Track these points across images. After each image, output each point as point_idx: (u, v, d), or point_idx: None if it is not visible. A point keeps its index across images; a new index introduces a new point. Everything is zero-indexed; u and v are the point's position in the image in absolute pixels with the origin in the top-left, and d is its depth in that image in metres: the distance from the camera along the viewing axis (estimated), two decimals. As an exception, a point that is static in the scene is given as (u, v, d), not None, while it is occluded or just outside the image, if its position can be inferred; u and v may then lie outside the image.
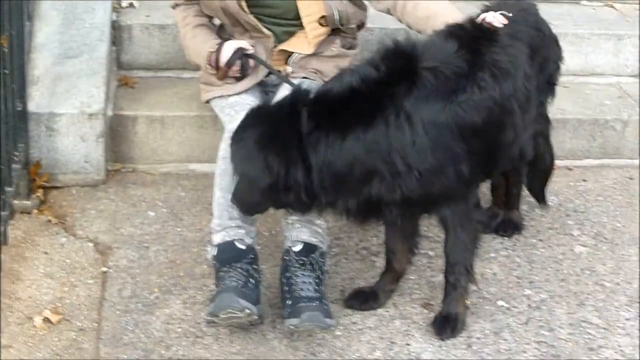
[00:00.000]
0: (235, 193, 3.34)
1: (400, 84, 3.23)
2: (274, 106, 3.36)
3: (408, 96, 3.21)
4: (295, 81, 3.71)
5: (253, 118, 3.32)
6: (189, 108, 4.32)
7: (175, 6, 4.01)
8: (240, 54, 3.76)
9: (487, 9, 3.68)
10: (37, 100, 4.09)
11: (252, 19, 3.84)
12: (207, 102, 3.96)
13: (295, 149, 3.16)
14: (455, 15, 3.64)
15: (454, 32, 3.47)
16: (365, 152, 3.17)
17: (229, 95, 3.80)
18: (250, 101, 3.74)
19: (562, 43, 4.77)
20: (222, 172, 3.57)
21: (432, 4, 3.73)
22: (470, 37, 3.45)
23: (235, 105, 3.75)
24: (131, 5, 4.75)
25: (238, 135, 3.30)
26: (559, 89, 4.74)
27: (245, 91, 3.80)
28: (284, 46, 3.89)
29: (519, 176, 4.07)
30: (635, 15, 5.26)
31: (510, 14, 3.58)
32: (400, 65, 3.28)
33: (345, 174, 3.19)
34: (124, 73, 4.60)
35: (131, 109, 4.32)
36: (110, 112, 4.24)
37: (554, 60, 3.89)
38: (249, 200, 3.32)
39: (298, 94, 3.30)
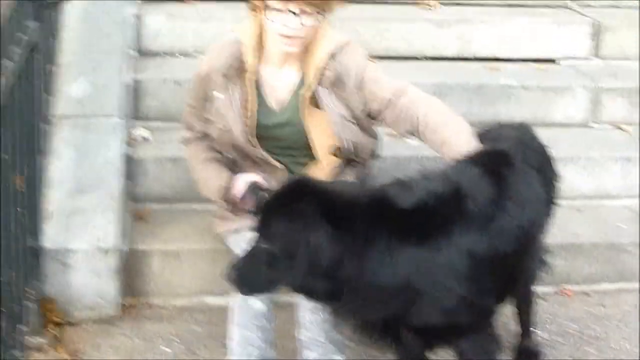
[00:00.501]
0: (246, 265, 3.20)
1: (451, 209, 3.22)
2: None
3: (457, 222, 3.20)
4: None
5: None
6: (203, 241, 4.30)
7: (185, 142, 4.03)
8: (254, 187, 3.75)
9: (485, 134, 3.72)
10: (51, 236, 4.08)
11: (261, 153, 3.85)
12: (221, 235, 3.95)
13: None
14: (466, 135, 3.64)
15: (478, 158, 3.48)
16: (415, 269, 3.12)
17: (243, 230, 3.77)
18: (265, 236, 3.72)
19: (574, 167, 4.89)
20: (239, 310, 3.54)
21: (446, 128, 3.71)
22: (492, 163, 3.46)
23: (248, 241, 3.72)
24: (144, 138, 4.78)
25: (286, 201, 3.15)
26: (573, 214, 4.83)
27: (260, 225, 3.79)
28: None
29: (529, 301, 4.03)
30: (645, 137, 5.29)
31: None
32: (449, 190, 3.27)
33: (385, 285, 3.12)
34: (138, 206, 4.59)
35: (145, 243, 4.30)
36: (125, 247, 4.23)
37: (555, 180, 3.89)
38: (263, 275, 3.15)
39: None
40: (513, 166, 3.49)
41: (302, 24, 3.61)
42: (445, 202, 3.23)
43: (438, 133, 3.69)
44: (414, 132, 3.79)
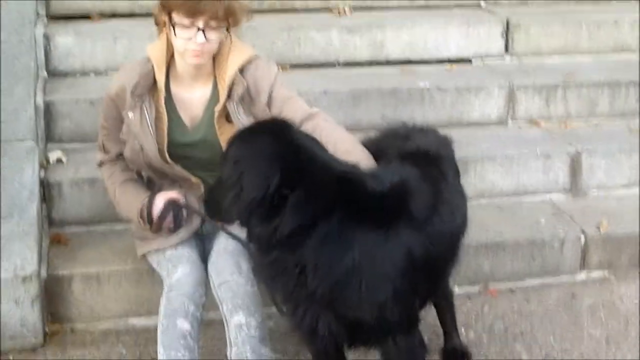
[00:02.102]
0: (215, 188, 3.30)
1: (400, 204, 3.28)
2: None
3: (403, 218, 3.26)
4: (231, 228, 3.68)
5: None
6: (124, 262, 4.23)
7: (101, 164, 3.98)
8: (172, 205, 3.72)
9: (392, 133, 3.81)
10: (-33, 267, 3.99)
11: (178, 169, 3.82)
12: (143, 256, 3.91)
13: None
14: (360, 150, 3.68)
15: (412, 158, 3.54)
16: (360, 252, 3.16)
17: (165, 249, 3.75)
18: (187, 253, 3.71)
19: (493, 165, 4.93)
20: (164, 330, 3.49)
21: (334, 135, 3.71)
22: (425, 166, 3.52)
23: (172, 259, 3.70)
24: (59, 160, 4.70)
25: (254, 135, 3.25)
26: (494, 212, 4.87)
27: (182, 243, 3.76)
28: (213, 192, 3.86)
29: (449, 301, 4.08)
30: (561, 132, 5.33)
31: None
32: (400, 186, 3.34)
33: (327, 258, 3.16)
34: (56, 230, 4.51)
35: (66, 267, 4.22)
36: (44, 273, 4.14)
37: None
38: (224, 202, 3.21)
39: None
40: (444, 171, 3.57)
41: (207, 39, 3.60)
42: (396, 197, 3.29)
43: (337, 147, 3.63)
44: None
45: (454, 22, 5.78)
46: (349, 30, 5.59)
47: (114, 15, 5.58)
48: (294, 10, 5.86)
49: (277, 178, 3.05)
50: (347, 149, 3.62)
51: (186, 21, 3.57)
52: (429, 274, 3.39)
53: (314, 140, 3.32)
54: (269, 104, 3.79)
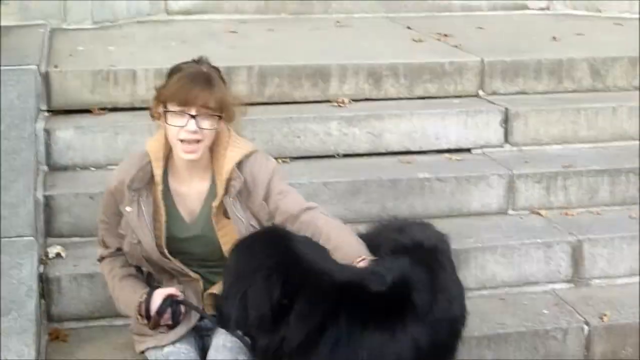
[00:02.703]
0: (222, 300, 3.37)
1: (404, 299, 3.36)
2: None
3: (409, 312, 3.34)
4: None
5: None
6: (124, 358, 4.17)
7: (101, 259, 3.98)
8: (170, 301, 3.71)
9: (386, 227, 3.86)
10: (-37, 360, 3.94)
11: (177, 264, 3.82)
12: (142, 352, 3.87)
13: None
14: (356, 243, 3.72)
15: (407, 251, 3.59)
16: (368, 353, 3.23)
17: (163, 346, 3.72)
18: (185, 350, 3.69)
19: (493, 255, 4.91)
20: None
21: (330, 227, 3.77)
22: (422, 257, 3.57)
23: (170, 355, 3.68)
24: (58, 255, 4.68)
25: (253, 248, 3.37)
26: (496, 303, 4.84)
27: (180, 339, 3.74)
28: (213, 289, 3.84)
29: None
30: (562, 221, 5.32)
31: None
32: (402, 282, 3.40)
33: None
34: (54, 326, 4.47)
35: (63, 366, 4.19)
36: (42, 371, 4.11)
37: None
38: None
39: None
40: (440, 262, 3.60)
41: (200, 127, 3.64)
42: (399, 292, 3.35)
43: (332, 240, 3.68)
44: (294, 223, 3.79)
45: (453, 112, 5.80)
46: (348, 122, 5.61)
47: (114, 109, 5.60)
48: (293, 101, 5.88)
49: (278, 292, 3.07)
50: (344, 240, 3.67)
51: (178, 109, 3.62)
52: None
53: (313, 245, 3.35)
54: (266, 197, 3.81)
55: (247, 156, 3.83)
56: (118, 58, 5.95)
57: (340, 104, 5.87)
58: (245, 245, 3.39)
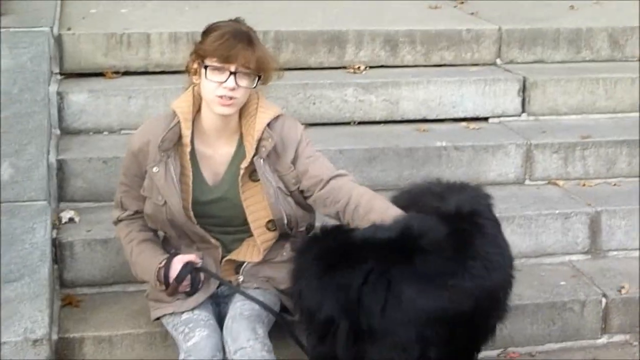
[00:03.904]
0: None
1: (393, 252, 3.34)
2: None
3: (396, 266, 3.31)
4: (249, 291, 3.65)
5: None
6: (138, 325, 4.14)
7: (117, 222, 3.93)
8: (190, 268, 3.67)
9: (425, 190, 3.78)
10: (-25, 331, 3.90)
11: (199, 229, 3.77)
12: (157, 318, 3.83)
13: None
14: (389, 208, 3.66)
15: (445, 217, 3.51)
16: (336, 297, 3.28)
17: (181, 312, 3.68)
18: (204, 317, 3.64)
19: (510, 226, 4.85)
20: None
21: (365, 194, 3.74)
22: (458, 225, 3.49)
23: (189, 323, 3.63)
24: (71, 220, 4.63)
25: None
26: (513, 273, 4.78)
27: (198, 306, 3.69)
28: (232, 256, 3.81)
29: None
30: (579, 192, 5.26)
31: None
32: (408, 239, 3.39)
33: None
34: (67, 292, 4.42)
35: (77, 330, 4.13)
36: (55, 336, 4.05)
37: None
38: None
39: None
40: (479, 225, 3.53)
41: (238, 85, 3.60)
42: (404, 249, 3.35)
43: (362, 206, 3.67)
44: (341, 212, 3.74)
45: (470, 80, 5.73)
46: (364, 88, 5.55)
47: (127, 72, 5.54)
48: (308, 67, 5.81)
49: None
50: (377, 205, 3.65)
51: (219, 65, 3.57)
52: (460, 330, 3.38)
53: None
54: (294, 161, 3.79)
55: (276, 119, 3.80)
56: (131, 21, 5.89)
57: (356, 71, 5.80)
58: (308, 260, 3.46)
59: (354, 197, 3.66)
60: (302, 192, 3.82)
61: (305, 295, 3.41)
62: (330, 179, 3.74)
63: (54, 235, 4.46)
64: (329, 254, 3.41)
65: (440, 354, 3.36)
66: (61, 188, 4.79)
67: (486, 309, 3.48)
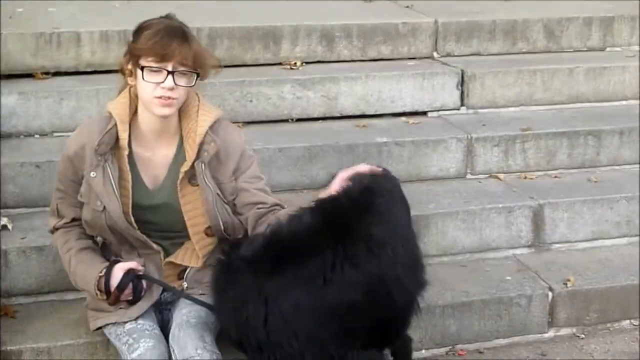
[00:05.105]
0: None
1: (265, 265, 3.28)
2: None
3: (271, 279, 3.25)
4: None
5: None
6: (77, 334, 4.00)
7: (54, 230, 3.78)
8: (132, 275, 3.55)
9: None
10: None
11: (140, 235, 3.65)
12: (98, 328, 3.70)
13: None
14: None
15: (321, 206, 3.41)
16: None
17: (124, 322, 3.56)
18: (149, 326, 3.53)
19: (454, 221, 4.80)
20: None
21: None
22: (339, 210, 3.36)
23: (132, 333, 3.51)
24: (4, 227, 4.46)
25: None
26: (458, 270, 4.74)
27: (142, 315, 3.57)
28: (172, 259, 3.69)
29: (406, 353, 3.89)
30: (521, 185, 5.23)
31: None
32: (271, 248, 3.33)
33: None
34: (3, 302, 4.26)
35: (14, 342, 3.96)
36: (-8, 350, 3.91)
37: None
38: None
39: None
40: (368, 209, 3.38)
41: (176, 84, 3.47)
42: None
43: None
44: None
45: (408, 74, 5.66)
46: (302, 85, 5.45)
47: (58, 72, 5.37)
48: (244, 64, 5.70)
49: None
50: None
51: (155, 65, 3.45)
52: (359, 320, 3.32)
53: None
54: (235, 172, 3.68)
55: (218, 122, 3.69)
56: (60, 20, 5.70)
57: (293, 67, 5.71)
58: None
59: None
60: (234, 205, 3.73)
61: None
62: (272, 206, 3.69)
63: (-13, 243, 4.30)
64: (217, 282, 3.42)
65: (345, 350, 3.30)
66: (-7, 194, 4.63)
67: (384, 294, 3.33)
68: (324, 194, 3.49)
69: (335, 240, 3.29)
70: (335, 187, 3.47)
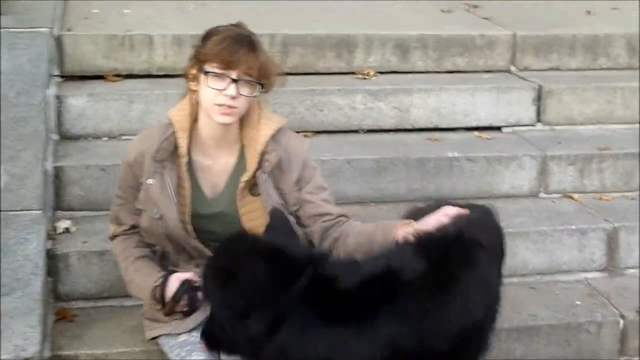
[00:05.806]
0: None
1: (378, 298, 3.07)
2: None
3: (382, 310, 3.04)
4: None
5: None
6: (134, 343, 3.96)
7: (113, 237, 3.76)
8: (187, 286, 3.48)
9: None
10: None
11: (198, 244, 3.60)
12: (153, 339, 3.66)
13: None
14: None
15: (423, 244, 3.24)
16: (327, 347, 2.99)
17: (178, 334, 3.51)
18: (202, 340, 3.45)
19: (524, 241, 4.67)
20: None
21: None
22: (440, 253, 3.21)
23: (185, 345, 3.46)
24: (67, 230, 4.45)
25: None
26: (527, 292, 4.60)
27: (196, 328, 3.50)
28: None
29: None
30: (596, 207, 5.07)
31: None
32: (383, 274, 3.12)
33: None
34: (61, 305, 4.25)
35: (71, 347, 3.94)
36: (48, 353, 3.87)
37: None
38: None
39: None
40: (466, 256, 3.24)
41: (239, 93, 3.42)
42: (374, 287, 3.08)
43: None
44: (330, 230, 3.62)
45: (483, 88, 5.54)
46: (374, 95, 5.37)
47: (129, 75, 5.36)
48: (316, 72, 5.63)
49: None
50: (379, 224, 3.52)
51: (219, 71, 3.40)
52: None
53: None
54: (299, 182, 3.61)
55: (281, 131, 3.63)
56: (134, 22, 5.72)
57: (366, 77, 5.62)
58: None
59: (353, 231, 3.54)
60: (298, 217, 3.66)
61: None
62: (338, 218, 3.60)
63: (49, 246, 4.28)
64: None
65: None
66: (58, 196, 4.62)
67: (464, 346, 3.21)
68: (423, 226, 3.35)
69: (441, 286, 3.14)
70: (436, 225, 3.35)
